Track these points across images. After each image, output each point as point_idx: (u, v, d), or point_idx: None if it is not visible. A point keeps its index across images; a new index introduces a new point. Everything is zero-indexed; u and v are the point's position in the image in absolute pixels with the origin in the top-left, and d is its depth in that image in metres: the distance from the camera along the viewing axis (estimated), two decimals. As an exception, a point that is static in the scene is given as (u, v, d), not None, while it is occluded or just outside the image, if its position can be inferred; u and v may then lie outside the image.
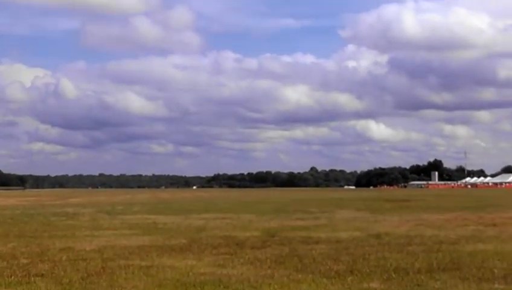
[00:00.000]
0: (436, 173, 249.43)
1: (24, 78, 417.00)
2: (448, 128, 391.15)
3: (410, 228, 22.89)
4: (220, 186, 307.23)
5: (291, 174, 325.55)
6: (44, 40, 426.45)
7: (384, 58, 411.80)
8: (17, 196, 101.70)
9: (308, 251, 15.64)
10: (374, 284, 11.12)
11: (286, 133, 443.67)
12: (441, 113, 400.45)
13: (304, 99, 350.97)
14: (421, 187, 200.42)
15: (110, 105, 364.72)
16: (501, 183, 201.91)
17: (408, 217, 29.41)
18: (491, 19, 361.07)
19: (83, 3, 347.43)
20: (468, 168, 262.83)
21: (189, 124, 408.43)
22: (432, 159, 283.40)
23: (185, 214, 34.12)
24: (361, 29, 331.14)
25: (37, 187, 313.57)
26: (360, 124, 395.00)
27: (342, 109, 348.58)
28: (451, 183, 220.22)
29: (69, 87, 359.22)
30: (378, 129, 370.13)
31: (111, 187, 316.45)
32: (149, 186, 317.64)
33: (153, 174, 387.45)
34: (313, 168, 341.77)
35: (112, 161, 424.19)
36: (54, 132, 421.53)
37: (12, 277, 11.95)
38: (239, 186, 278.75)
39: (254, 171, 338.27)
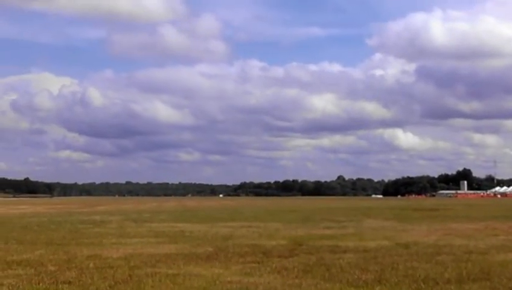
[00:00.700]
0: (465, 182, 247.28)
1: (52, 86, 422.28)
2: (477, 137, 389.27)
3: (439, 238, 22.68)
4: (247, 194, 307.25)
5: (318, 183, 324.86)
6: (72, 49, 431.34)
7: (411, 67, 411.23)
8: (45, 203, 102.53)
9: (335, 260, 15.55)
10: (402, 294, 11.01)
11: (313, 142, 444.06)
12: (470, 122, 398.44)
13: (330, 108, 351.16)
14: (450, 196, 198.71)
15: (137, 113, 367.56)
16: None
17: (437, 227, 29.14)
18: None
19: (110, 12, 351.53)
20: (498, 177, 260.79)
21: (216, 133, 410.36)
22: (460, 168, 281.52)
23: (211, 222, 34.12)
24: (388, 38, 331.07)
25: (65, 195, 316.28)
26: (388, 133, 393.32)
27: (369, 118, 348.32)
28: (480, 193, 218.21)
29: (96, 96, 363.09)
30: (405, 138, 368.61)
31: (138, 195, 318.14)
32: (175, 195, 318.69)
33: (180, 183, 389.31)
34: (340, 177, 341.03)
35: (138, 169, 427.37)
36: (81, 140, 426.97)
37: (40, 284, 12.03)
38: (266, 195, 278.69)
39: (281, 180, 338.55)
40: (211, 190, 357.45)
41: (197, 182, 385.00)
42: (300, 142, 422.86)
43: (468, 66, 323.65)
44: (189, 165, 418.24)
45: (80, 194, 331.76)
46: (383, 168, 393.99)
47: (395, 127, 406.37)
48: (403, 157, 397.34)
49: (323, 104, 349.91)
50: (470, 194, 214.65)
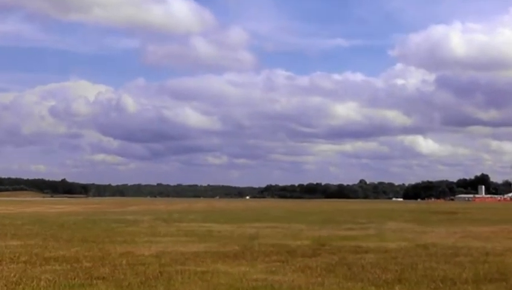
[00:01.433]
0: (483, 186, 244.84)
1: (88, 93, 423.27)
2: (494, 143, 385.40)
3: (457, 240, 22.50)
4: (272, 197, 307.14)
5: (340, 186, 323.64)
6: (108, 58, 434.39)
7: (431, 77, 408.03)
8: (81, 203, 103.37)
9: (357, 260, 15.49)
10: (421, 293, 10.93)
11: (336, 147, 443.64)
12: (488, 130, 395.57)
13: (353, 115, 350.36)
14: (468, 200, 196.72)
15: (168, 119, 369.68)
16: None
17: (455, 229, 28.90)
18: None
19: (144, 23, 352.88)
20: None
21: (243, 138, 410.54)
22: (478, 174, 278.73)
23: (238, 222, 34.17)
24: (410, 49, 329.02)
25: (99, 195, 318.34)
26: (408, 139, 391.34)
27: (391, 125, 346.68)
28: (497, 197, 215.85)
29: (129, 103, 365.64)
30: (426, 144, 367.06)
31: (168, 196, 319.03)
32: (204, 196, 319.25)
33: (208, 185, 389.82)
34: (362, 181, 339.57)
35: (169, 171, 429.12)
36: (115, 143, 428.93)
37: (76, 279, 12.12)
38: (290, 197, 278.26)
39: (305, 183, 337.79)
40: (238, 192, 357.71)
41: (225, 185, 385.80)
42: (324, 147, 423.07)
43: (487, 76, 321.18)
44: (217, 168, 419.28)
45: (114, 195, 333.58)
46: (404, 172, 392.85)
47: (416, 134, 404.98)
48: (423, 162, 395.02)
49: (347, 111, 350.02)
50: (488, 198, 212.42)
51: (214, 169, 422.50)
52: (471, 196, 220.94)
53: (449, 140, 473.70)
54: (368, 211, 61.97)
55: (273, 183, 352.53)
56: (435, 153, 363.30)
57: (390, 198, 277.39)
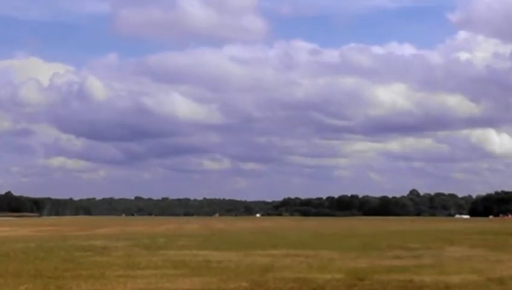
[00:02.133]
0: None
1: (41, 75, 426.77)
2: None
3: (545, 271, 22.45)
4: (291, 214, 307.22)
5: (384, 199, 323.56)
6: (66, 27, 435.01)
7: (507, 49, 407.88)
8: (32, 224, 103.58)
9: (408, 300, 15.47)
10: None
11: (378, 146, 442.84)
12: None
13: (401, 102, 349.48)
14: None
15: (149, 109, 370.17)
16: None
17: (541, 257, 28.84)
18: None
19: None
20: None
21: (251, 134, 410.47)
22: None
23: (245, 249, 34.15)
24: (477, 12, 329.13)
25: (57, 214, 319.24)
26: (476, 135, 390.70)
27: (452, 115, 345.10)
28: None
29: (97, 87, 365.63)
30: (500, 141, 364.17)
31: (150, 214, 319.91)
32: (199, 214, 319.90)
33: (204, 198, 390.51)
34: (413, 192, 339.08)
35: (151, 180, 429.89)
36: (78, 143, 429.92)
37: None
38: (316, 215, 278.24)
39: (335, 195, 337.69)
40: (245, 208, 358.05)
41: (227, 198, 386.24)
42: (362, 146, 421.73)
43: None
44: (217, 176, 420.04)
45: (76, 213, 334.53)
46: (470, 180, 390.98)
47: (486, 127, 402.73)
48: (496, 166, 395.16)
49: (391, 97, 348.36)
50: None
51: (212, 177, 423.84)
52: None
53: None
54: (422, 232, 61.86)
55: (293, 196, 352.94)
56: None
57: (453, 215, 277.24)
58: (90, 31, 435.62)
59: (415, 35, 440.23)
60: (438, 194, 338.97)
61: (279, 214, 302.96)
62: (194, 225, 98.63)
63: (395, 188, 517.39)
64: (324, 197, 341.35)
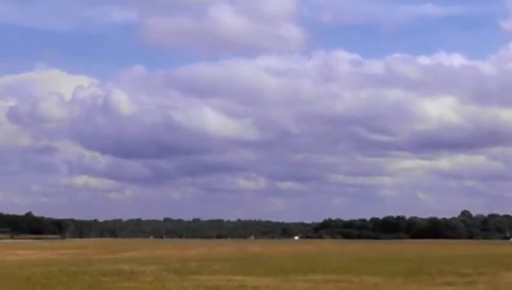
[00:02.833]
0: None
1: (63, 88, 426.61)
2: None
3: None
4: (332, 236, 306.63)
5: (433, 221, 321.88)
6: (90, 37, 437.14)
7: None
8: (54, 247, 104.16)
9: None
10: None
11: (426, 163, 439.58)
12: None
13: (450, 116, 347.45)
14: None
15: (178, 124, 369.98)
16: None
17: None
18: None
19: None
20: None
21: (288, 151, 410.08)
22: None
23: (284, 274, 34.11)
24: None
25: (80, 236, 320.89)
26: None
27: (506, 130, 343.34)
28: None
29: (123, 101, 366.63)
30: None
31: (181, 237, 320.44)
32: (233, 236, 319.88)
33: (239, 220, 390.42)
34: (464, 213, 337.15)
35: (181, 200, 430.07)
36: (103, 161, 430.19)
37: None
38: (359, 237, 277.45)
39: (380, 217, 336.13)
40: (283, 230, 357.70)
41: (263, 219, 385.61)
42: (408, 163, 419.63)
43: None
44: (252, 196, 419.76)
45: (101, 235, 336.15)
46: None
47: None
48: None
49: (440, 110, 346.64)
50: None
51: (247, 197, 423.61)
52: None
53: None
54: (475, 257, 61.48)
55: (334, 218, 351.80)
56: None
57: (508, 238, 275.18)
58: (115, 41, 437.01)
59: (465, 44, 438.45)
60: (492, 215, 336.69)
61: (320, 237, 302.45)
62: (227, 248, 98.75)
63: (445, 209, 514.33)
64: (368, 219, 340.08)
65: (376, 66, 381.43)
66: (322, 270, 37.94)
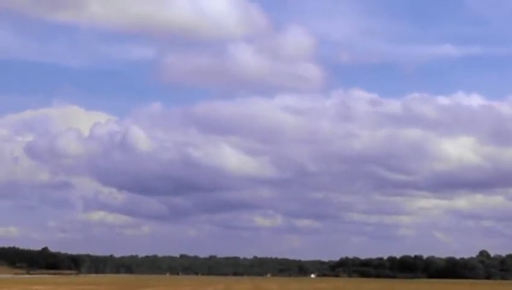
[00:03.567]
0: None
1: (81, 124, 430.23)
2: None
3: None
4: (349, 275, 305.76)
5: (451, 261, 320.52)
6: (109, 74, 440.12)
7: None
8: (70, 283, 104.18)
9: None
10: None
11: (444, 203, 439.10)
12: None
13: (468, 156, 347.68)
14: None
15: (196, 162, 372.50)
16: None
17: None
18: None
19: (162, 24, 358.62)
20: None
21: (306, 189, 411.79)
22: None
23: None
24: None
25: (96, 271, 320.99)
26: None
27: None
28: None
29: (140, 137, 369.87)
30: None
31: (196, 274, 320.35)
32: (249, 273, 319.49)
33: (255, 257, 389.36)
34: (483, 253, 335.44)
35: (198, 237, 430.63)
36: (120, 197, 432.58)
37: None
38: (376, 276, 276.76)
39: (398, 256, 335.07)
40: (299, 268, 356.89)
41: (280, 257, 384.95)
42: (427, 203, 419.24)
43: None
44: (269, 234, 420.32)
45: (117, 271, 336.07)
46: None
47: None
48: None
49: (458, 150, 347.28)
50: None
51: (264, 234, 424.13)
52: None
53: None
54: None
55: (351, 256, 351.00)
56: None
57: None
58: (133, 78, 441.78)
59: (484, 84, 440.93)
60: (510, 256, 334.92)
61: (336, 275, 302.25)
62: (244, 285, 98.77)
63: (463, 249, 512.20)
64: (385, 258, 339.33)
65: (394, 106, 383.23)
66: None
